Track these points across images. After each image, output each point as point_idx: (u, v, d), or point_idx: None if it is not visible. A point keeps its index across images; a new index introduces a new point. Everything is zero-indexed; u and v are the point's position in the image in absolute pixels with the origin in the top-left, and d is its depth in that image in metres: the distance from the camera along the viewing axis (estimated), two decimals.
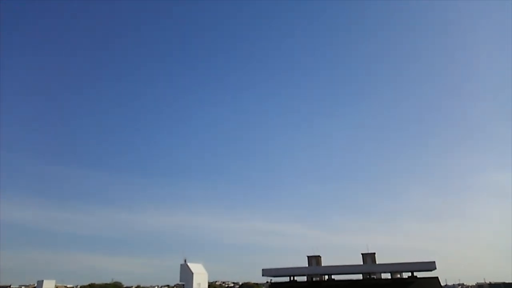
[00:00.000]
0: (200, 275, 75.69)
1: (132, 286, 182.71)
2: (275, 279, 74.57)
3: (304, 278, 72.93)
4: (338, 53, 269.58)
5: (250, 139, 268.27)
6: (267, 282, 75.82)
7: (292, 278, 72.66)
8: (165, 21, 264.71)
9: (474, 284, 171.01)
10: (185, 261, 76.32)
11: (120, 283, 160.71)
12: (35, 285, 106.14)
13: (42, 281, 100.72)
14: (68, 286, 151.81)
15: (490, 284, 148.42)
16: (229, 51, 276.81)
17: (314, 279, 73.13)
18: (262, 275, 72.22)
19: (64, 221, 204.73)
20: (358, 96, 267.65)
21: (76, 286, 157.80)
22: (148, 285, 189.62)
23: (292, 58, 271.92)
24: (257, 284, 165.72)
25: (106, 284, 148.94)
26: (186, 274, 73.89)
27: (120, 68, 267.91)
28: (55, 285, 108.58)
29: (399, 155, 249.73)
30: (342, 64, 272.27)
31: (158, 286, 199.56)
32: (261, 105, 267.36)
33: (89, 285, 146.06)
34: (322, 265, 73.03)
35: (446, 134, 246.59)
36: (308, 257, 74.09)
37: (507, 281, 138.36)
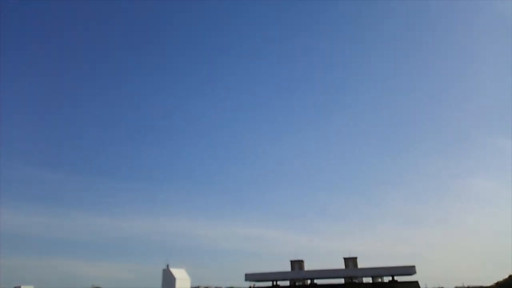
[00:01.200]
0: (183, 281, 75.16)
1: None
2: (258, 284, 74.62)
3: (287, 283, 73.18)
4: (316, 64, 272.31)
5: (233, 144, 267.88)
6: (250, 287, 75.76)
7: (275, 282, 72.85)
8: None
9: None
10: (167, 266, 75.75)
11: None
12: None
13: (19, 287, 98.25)
14: None
15: None
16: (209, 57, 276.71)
17: (297, 283, 73.46)
18: (245, 280, 72.17)
19: (41, 225, 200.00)
20: (337, 104, 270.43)
21: None
22: None
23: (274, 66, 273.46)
24: None
25: None
26: (169, 279, 73.29)
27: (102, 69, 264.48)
28: None
29: (379, 161, 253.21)
30: (320, 74, 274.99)
31: None
32: (242, 111, 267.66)
33: None
34: (305, 269, 73.44)
35: (427, 140, 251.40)
36: (291, 261, 74.37)
37: (484, 285, 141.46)
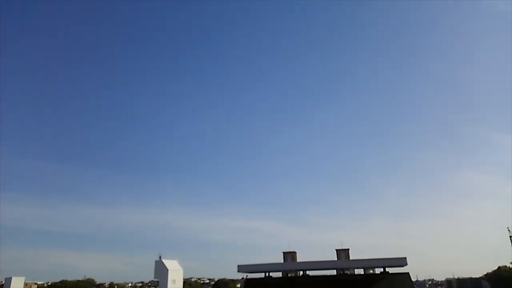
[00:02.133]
0: (175, 272, 75.10)
1: (105, 283, 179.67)
2: (251, 275, 74.82)
3: (280, 274, 73.45)
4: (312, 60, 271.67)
5: (225, 137, 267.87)
6: (243, 278, 76.07)
7: (267, 274, 73.08)
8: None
9: (444, 280, 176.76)
10: (160, 257, 75.58)
11: (93, 280, 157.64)
12: (3, 282, 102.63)
13: (11, 278, 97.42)
14: (38, 283, 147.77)
15: (458, 279, 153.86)
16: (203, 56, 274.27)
17: (289, 275, 73.75)
18: (238, 271, 72.30)
19: (33, 216, 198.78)
20: (333, 99, 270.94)
21: (47, 283, 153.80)
22: (122, 282, 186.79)
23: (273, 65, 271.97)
24: (232, 280, 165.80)
25: (78, 281, 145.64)
26: (161, 271, 73.19)
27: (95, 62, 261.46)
28: (25, 282, 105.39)
29: (372, 155, 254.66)
30: (317, 70, 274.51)
31: (132, 283, 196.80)
32: (238, 107, 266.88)
33: (60, 281, 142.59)
34: (298, 261, 73.74)
35: (419, 134, 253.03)
36: (283, 253, 74.64)
37: (474, 276, 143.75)
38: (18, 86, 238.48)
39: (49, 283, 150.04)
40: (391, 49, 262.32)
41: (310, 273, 72.01)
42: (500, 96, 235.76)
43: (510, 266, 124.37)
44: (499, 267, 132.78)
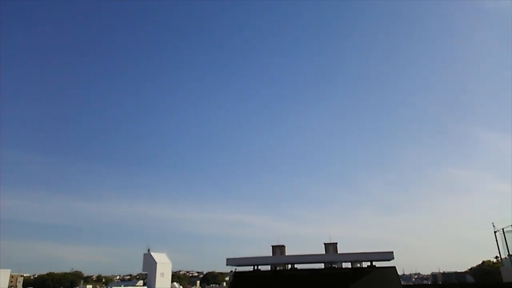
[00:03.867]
0: (164, 265, 75.04)
1: (92, 276, 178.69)
2: (240, 268, 75.12)
3: (268, 267, 73.89)
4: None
5: (215, 130, 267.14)
6: (231, 271, 76.35)
7: (256, 267, 73.48)
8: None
9: (429, 274, 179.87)
10: (148, 250, 75.44)
11: (81, 272, 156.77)
12: None
13: None
14: (25, 275, 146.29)
15: (443, 273, 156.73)
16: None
17: (278, 268, 74.25)
18: (226, 265, 72.47)
19: (18, 208, 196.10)
20: (320, 94, 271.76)
21: (34, 275, 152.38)
22: (110, 274, 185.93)
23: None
24: (221, 273, 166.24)
25: (65, 273, 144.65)
26: (150, 264, 73.07)
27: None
28: (11, 275, 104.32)
29: (358, 149, 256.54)
30: (306, 65, 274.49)
31: (120, 275, 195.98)
32: (228, 102, 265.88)
33: (47, 274, 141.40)
34: (286, 254, 74.23)
35: (407, 130, 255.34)
36: (272, 246, 75.06)
37: (458, 271, 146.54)
38: (8, 78, 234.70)
39: (36, 276, 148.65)
40: (379, 46, 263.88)
41: (298, 266, 72.61)
42: (487, 92, 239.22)
43: (494, 261, 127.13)
44: (483, 262, 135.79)
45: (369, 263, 70.63)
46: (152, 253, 74.00)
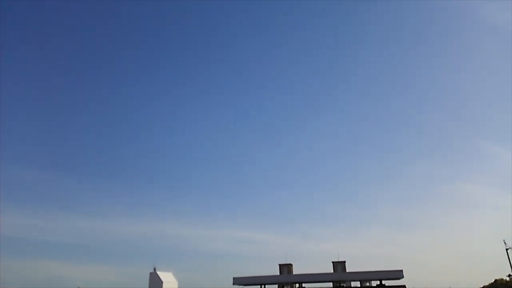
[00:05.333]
0: (170, 284, 74.38)
1: None
2: None
3: (276, 286, 72.85)
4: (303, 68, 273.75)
5: (220, 145, 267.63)
6: None
7: (263, 286, 72.47)
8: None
9: None
10: (154, 269, 74.93)
11: None
12: None
13: None
14: None
15: None
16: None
17: (285, 287, 73.19)
18: (233, 284, 71.66)
19: (25, 226, 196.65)
20: (327, 106, 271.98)
21: None
22: None
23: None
24: None
25: None
26: (156, 283, 72.45)
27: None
28: None
29: (370, 164, 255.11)
30: (312, 76, 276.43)
31: None
32: (234, 115, 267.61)
33: None
34: (294, 273, 73.23)
35: (418, 144, 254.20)
36: (279, 265, 74.15)
37: None
38: (13, 92, 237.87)
39: None
40: (387, 59, 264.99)
41: (306, 285, 71.45)
42: (499, 106, 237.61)
43: (507, 279, 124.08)
44: (495, 280, 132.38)
45: (378, 282, 69.41)
46: (158, 272, 73.46)
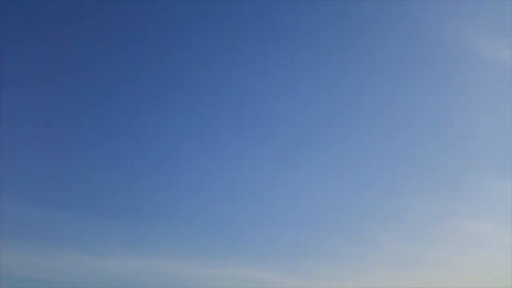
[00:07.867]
0: None
1: None
2: None
3: None
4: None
5: (223, 181, 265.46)
6: None
7: None
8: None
9: None
10: None
11: None
12: None
13: None
14: None
15: None
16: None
17: None
18: None
19: (19, 264, 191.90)
20: (327, 140, 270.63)
21: None
22: None
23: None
24: None
25: None
26: None
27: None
28: None
29: (371, 201, 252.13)
30: (316, 107, 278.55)
31: None
32: (238, 150, 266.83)
33: None
34: None
35: (420, 180, 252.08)
36: None
37: None
38: (12, 125, 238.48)
39: None
40: (385, 91, 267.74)
41: None
42: (502, 142, 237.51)
43: None
44: None
45: None
46: None
